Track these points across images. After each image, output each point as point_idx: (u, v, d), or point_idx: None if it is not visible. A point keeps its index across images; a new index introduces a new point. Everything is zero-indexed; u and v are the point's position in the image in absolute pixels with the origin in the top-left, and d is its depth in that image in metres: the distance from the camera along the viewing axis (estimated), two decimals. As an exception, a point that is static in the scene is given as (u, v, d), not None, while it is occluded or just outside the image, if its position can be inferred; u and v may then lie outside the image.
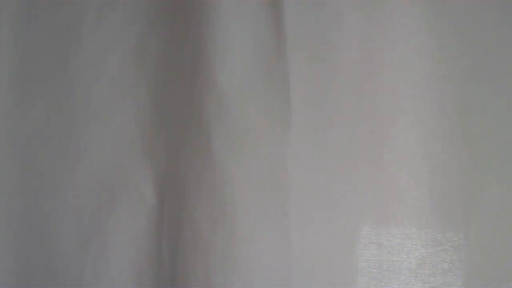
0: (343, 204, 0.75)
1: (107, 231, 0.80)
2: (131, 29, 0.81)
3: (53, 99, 0.82)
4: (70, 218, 0.81)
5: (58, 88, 0.82)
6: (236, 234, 0.74)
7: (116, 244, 0.80)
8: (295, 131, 0.75)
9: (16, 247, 0.81)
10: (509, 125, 0.74)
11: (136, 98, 0.81)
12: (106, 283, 0.79)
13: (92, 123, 0.81)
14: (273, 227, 0.74)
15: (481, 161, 0.74)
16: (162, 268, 0.79)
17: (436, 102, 0.75)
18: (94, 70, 0.81)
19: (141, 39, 0.81)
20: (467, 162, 0.74)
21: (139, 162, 0.80)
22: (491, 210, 0.74)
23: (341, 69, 0.76)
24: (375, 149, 0.75)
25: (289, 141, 0.75)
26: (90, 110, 0.81)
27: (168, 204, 0.79)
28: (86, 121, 0.81)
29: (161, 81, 0.80)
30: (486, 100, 0.75)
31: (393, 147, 0.75)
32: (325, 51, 0.76)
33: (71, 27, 0.82)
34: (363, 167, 0.75)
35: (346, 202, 0.75)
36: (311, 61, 0.76)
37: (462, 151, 0.74)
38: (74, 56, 0.81)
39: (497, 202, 0.74)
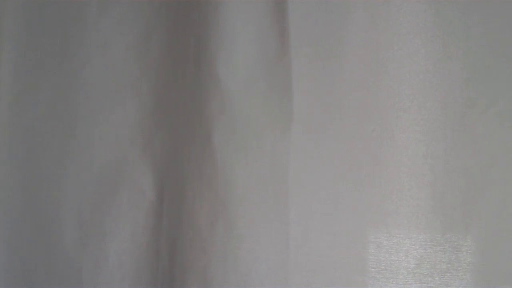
0: (343, 202, 0.75)
1: (107, 225, 0.80)
2: (135, 23, 0.80)
3: (55, 90, 0.82)
4: (70, 211, 0.80)
5: (60, 80, 0.82)
6: (235, 231, 0.74)
7: (115, 238, 0.80)
8: (297, 128, 0.75)
9: (16, 239, 0.81)
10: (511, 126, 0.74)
11: (138, 92, 0.80)
12: (104, 276, 0.79)
13: (94, 116, 0.81)
14: (273, 224, 0.74)
15: (482, 162, 0.74)
16: (160, 262, 0.79)
17: (438, 101, 0.75)
18: (97, 62, 0.81)
19: (145, 32, 0.80)
20: (469, 163, 0.74)
21: (139, 156, 0.80)
22: (492, 212, 0.74)
23: (344, 66, 0.75)
24: (376, 148, 0.75)
25: (290, 138, 0.75)
26: (92, 103, 0.81)
27: (168, 199, 0.79)
28: (87, 114, 0.81)
29: (164, 75, 0.80)
30: (489, 99, 0.74)
31: (395, 146, 0.75)
32: (329, 48, 0.75)
33: (74, 19, 0.81)
34: (364, 165, 0.75)
35: (346, 200, 0.75)
36: (314, 58, 0.75)
37: (463, 151, 0.74)
38: (77, 47, 0.81)
39: (497, 203, 0.74)
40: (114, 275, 0.79)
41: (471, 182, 0.74)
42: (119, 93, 0.81)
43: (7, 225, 0.81)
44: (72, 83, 0.81)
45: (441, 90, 0.75)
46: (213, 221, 0.74)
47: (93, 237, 0.80)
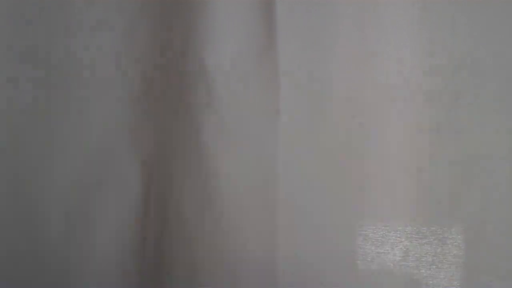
0: (330, 194, 0.75)
1: (93, 218, 0.80)
2: (121, 13, 0.79)
3: (40, 82, 0.80)
4: (56, 202, 0.80)
5: (45, 71, 0.81)
6: (222, 224, 0.74)
7: (102, 229, 0.79)
8: (284, 120, 0.75)
9: (1, 230, 0.80)
10: (497, 119, 0.75)
11: (125, 84, 0.79)
12: (91, 269, 0.79)
13: (81, 107, 0.80)
14: (260, 216, 0.74)
15: (468, 155, 0.74)
16: (147, 254, 0.79)
17: (425, 94, 0.75)
18: (83, 54, 0.80)
19: (131, 23, 0.79)
20: (455, 156, 0.74)
21: (126, 148, 0.80)
22: (477, 204, 0.74)
23: (331, 58, 0.75)
24: (363, 140, 0.75)
25: (278, 130, 0.75)
26: (77, 95, 0.80)
27: (154, 192, 0.79)
28: (74, 106, 0.80)
29: (150, 67, 0.79)
30: (475, 93, 0.75)
31: (382, 139, 0.75)
32: (316, 41, 0.75)
33: (59, 9, 0.80)
34: (351, 158, 0.75)
35: (334, 192, 0.75)
36: (302, 51, 0.75)
37: (449, 144, 0.75)
38: (62, 39, 0.80)
39: (483, 196, 0.74)
40: (100, 267, 0.79)
41: (457, 175, 0.74)
42: (105, 85, 0.80)
43: None
44: (56, 76, 0.80)
45: (427, 84, 0.75)
46: (200, 213, 0.74)
47: (79, 229, 0.80)
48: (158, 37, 0.79)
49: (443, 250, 0.74)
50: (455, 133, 0.75)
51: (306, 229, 0.75)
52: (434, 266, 0.74)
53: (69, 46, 0.80)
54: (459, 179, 0.74)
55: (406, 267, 0.75)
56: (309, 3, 0.75)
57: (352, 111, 0.75)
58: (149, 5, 0.79)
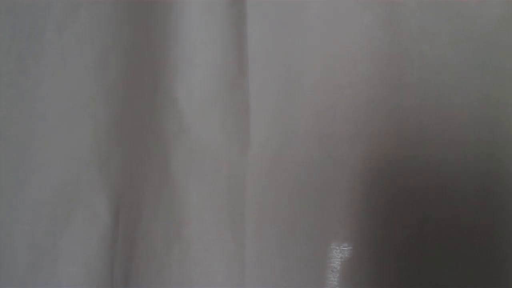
0: (299, 226, 0.76)
1: (59, 248, 0.79)
2: (93, 42, 0.79)
3: (9, 108, 0.80)
4: (23, 233, 0.79)
5: (15, 97, 0.80)
6: (191, 253, 0.73)
7: (68, 261, 0.78)
8: (254, 151, 0.75)
9: None
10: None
11: (95, 113, 0.79)
12: None
13: (49, 137, 0.79)
14: (229, 247, 0.74)
15: None
16: (114, 286, 0.78)
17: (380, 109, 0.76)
18: (54, 81, 0.79)
19: (103, 52, 0.79)
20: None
21: (95, 178, 0.79)
22: None
23: (301, 90, 0.76)
24: (330, 171, 0.76)
25: (247, 161, 0.75)
26: (47, 123, 0.80)
27: (123, 222, 0.78)
28: (42, 134, 0.79)
29: (121, 96, 0.79)
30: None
31: (350, 170, 0.76)
32: (287, 72, 0.76)
33: (31, 35, 0.80)
34: (319, 188, 0.76)
35: (302, 224, 0.76)
36: (273, 80, 0.76)
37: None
38: (34, 65, 0.80)
39: None
40: None
41: None
42: (75, 113, 0.79)
43: None
44: (27, 102, 0.80)
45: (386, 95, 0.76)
46: (169, 244, 0.74)
47: (45, 261, 0.79)
48: (129, 67, 0.79)
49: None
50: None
51: (274, 260, 0.75)
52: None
53: (41, 73, 0.80)
54: None
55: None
56: (281, 34, 0.76)
57: (321, 143, 0.76)
58: (121, 36, 0.80)
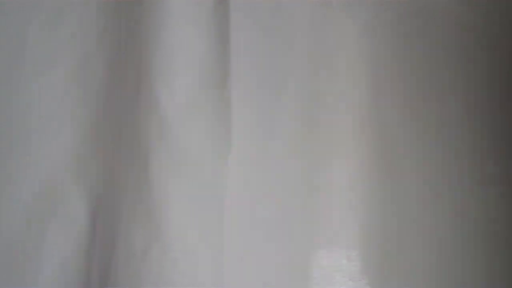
0: (278, 233, 0.76)
1: (35, 251, 0.77)
2: (76, 44, 0.79)
3: None
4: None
5: None
6: (170, 255, 0.73)
7: (45, 266, 0.77)
8: (234, 158, 0.76)
9: None
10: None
11: (76, 117, 0.79)
12: None
13: (29, 139, 0.79)
14: (208, 249, 0.74)
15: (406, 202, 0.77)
16: None
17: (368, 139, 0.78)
18: (36, 84, 0.79)
19: (86, 55, 0.80)
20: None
21: (73, 183, 0.79)
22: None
23: (283, 98, 0.77)
24: (311, 180, 0.77)
25: (228, 167, 0.76)
26: (27, 126, 0.79)
27: (101, 225, 0.78)
28: (22, 137, 0.79)
29: (103, 99, 0.79)
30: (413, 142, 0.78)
31: (329, 180, 0.77)
32: (268, 80, 0.77)
33: (14, 37, 0.80)
34: (299, 196, 0.77)
35: (282, 231, 0.76)
36: (255, 89, 0.77)
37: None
38: (15, 67, 0.79)
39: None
40: None
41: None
42: (56, 116, 0.79)
43: None
44: (7, 104, 0.79)
45: (372, 125, 0.78)
46: (148, 247, 0.74)
47: (21, 263, 0.77)
48: (111, 71, 0.79)
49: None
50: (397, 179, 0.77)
51: (254, 265, 0.75)
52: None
53: (21, 77, 0.79)
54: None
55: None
56: (264, 41, 0.78)
57: (301, 150, 0.77)
58: (104, 40, 0.80)
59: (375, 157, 0.77)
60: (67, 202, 0.79)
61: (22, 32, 0.80)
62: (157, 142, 0.75)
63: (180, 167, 0.75)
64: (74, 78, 0.80)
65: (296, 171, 0.77)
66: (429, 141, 0.78)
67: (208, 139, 0.76)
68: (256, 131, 0.77)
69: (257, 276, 0.75)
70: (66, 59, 0.80)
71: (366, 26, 0.78)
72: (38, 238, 0.78)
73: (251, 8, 0.77)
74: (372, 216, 0.77)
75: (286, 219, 0.77)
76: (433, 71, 0.78)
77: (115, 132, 0.79)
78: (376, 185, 0.77)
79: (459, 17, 0.78)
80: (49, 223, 0.78)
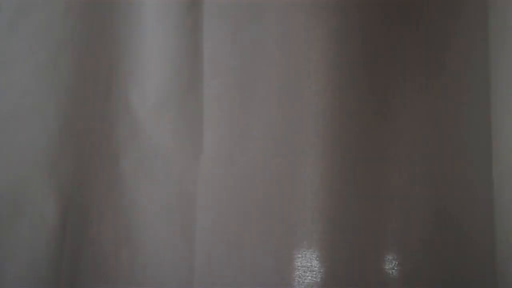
0: (248, 234, 0.76)
1: (4, 249, 0.77)
2: (44, 42, 0.78)
3: None
4: None
5: None
6: (140, 258, 0.73)
7: (14, 264, 0.77)
8: (205, 158, 0.76)
9: None
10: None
11: (45, 114, 0.78)
12: None
13: None
14: (179, 251, 0.74)
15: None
16: None
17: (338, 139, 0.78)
18: (5, 79, 0.77)
19: (56, 52, 0.78)
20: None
21: (43, 180, 0.77)
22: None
23: (254, 98, 0.77)
24: (283, 180, 0.77)
25: (199, 167, 0.76)
26: None
27: (71, 225, 0.77)
28: None
29: (73, 98, 0.78)
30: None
31: (300, 180, 0.77)
32: (241, 79, 0.77)
33: None
34: (269, 199, 0.77)
35: (252, 233, 0.76)
36: (226, 89, 0.77)
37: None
38: None
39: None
40: None
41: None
42: (24, 114, 0.78)
43: None
44: None
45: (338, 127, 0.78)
46: (118, 248, 0.73)
47: None
48: (82, 67, 0.78)
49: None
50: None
51: (224, 267, 0.75)
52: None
53: None
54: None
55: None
56: (236, 43, 0.77)
57: (273, 151, 0.77)
58: (74, 35, 0.78)
59: (340, 159, 0.77)
60: (37, 200, 0.78)
61: None
62: (128, 142, 0.75)
63: (151, 168, 0.75)
64: (43, 74, 0.78)
65: (267, 171, 0.77)
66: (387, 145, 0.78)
67: (179, 139, 0.76)
68: (229, 131, 0.77)
69: (228, 279, 0.75)
70: (34, 56, 0.77)
71: (336, 30, 0.77)
72: (7, 235, 0.77)
73: (224, 10, 0.77)
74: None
75: (259, 219, 0.76)
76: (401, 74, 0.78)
77: (86, 131, 0.78)
78: (344, 186, 0.77)
79: None
80: (18, 220, 0.77)
